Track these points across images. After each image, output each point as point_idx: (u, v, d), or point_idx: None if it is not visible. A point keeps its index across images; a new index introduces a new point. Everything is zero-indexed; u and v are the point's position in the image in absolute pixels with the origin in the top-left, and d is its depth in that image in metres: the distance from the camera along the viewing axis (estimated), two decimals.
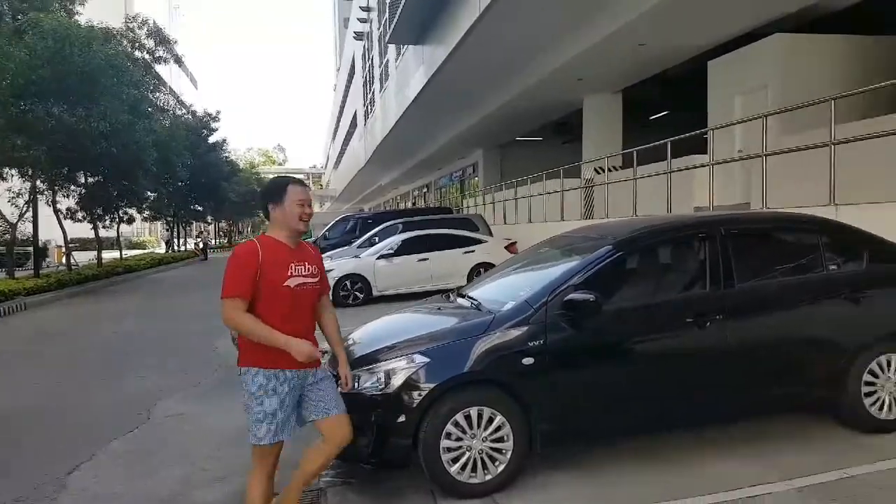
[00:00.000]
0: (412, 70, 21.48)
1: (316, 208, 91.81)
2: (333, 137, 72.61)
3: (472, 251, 13.46)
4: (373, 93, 34.06)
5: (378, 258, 13.18)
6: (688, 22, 12.28)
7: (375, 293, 12.85)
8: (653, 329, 4.06)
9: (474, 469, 3.71)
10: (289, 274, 3.16)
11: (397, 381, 3.70)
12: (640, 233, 4.39)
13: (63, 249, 22.08)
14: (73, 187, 20.51)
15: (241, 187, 50.65)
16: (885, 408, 4.34)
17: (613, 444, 4.35)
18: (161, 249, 43.99)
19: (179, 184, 30.52)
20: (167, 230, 41.76)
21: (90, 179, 20.75)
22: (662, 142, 10.96)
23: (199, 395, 6.53)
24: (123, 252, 29.91)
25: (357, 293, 12.79)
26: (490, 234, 15.81)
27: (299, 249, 3.32)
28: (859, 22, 11.89)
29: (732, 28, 12.52)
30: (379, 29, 28.83)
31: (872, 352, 4.30)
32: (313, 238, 25.84)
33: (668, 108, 21.15)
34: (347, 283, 12.78)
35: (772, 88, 11.38)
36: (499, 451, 3.75)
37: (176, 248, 40.30)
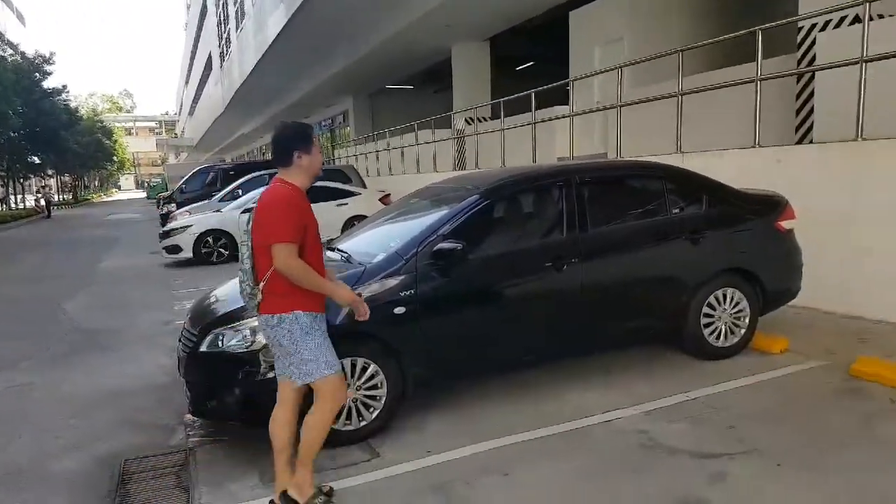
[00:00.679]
0: (271, 8, 20.39)
1: (171, 159, 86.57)
2: (187, 82, 68.09)
3: (346, 204, 13.21)
4: (228, 32, 32.08)
5: (243, 212, 12.55)
6: None
7: None
8: (516, 273, 4.25)
9: (349, 417, 3.77)
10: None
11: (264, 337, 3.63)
12: (503, 182, 4.53)
13: None
14: None
15: (85, 137, 46.49)
16: (722, 336, 4.86)
17: (483, 382, 4.57)
18: None
19: (12, 134, 27.47)
20: (1, 186, 37.81)
21: None
22: (527, 93, 11.21)
23: (49, 361, 6.10)
24: None
25: (221, 250, 12.26)
26: (363, 185, 15.58)
27: None
28: None
29: None
30: None
31: (710, 286, 4.76)
32: (169, 191, 24.38)
33: (535, 59, 21.61)
34: (209, 239, 12.22)
35: (627, 41, 11.88)
36: (373, 397, 3.82)
37: (14, 205, 36.60)
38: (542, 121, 11.32)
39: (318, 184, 13.83)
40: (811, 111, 8.19)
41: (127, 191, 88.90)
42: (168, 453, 3.94)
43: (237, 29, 28.75)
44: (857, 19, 7.01)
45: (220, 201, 14.52)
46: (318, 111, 35.12)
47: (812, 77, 8.07)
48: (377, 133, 21.80)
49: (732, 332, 4.89)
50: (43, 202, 36.48)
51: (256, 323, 3.66)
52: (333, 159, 28.02)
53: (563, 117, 10.79)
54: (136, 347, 6.48)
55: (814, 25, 8.13)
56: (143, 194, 64.75)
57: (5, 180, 35.62)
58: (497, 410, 4.19)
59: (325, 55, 22.00)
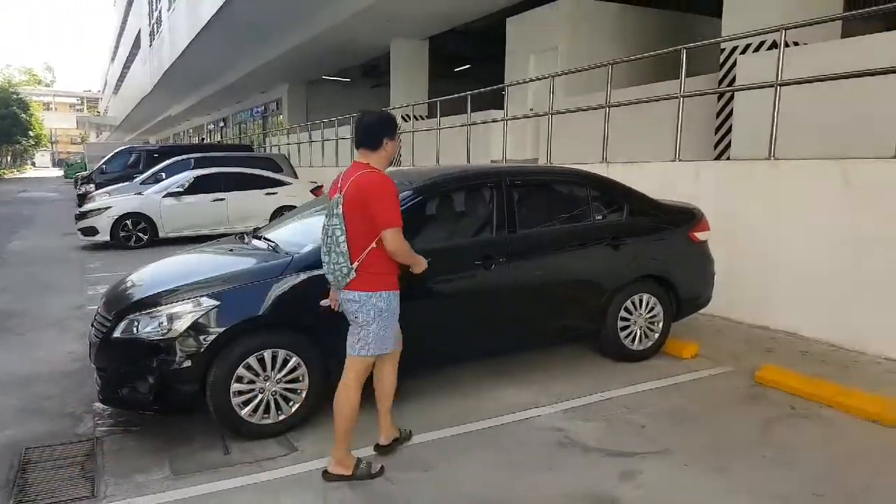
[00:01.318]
0: None
1: (92, 137, 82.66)
2: (113, 59, 65.13)
3: (275, 193, 12.90)
4: (159, 11, 30.87)
5: (165, 196, 12.16)
6: None
7: (163, 235, 11.94)
8: (446, 270, 4.28)
9: (267, 410, 3.71)
10: None
11: (182, 325, 3.55)
12: (436, 180, 4.56)
13: None
14: None
15: None
16: (637, 340, 5.04)
17: (407, 377, 4.57)
18: None
19: None
20: None
21: None
22: (463, 94, 11.31)
23: None
24: None
25: (140, 234, 11.79)
26: (295, 175, 15.30)
27: None
28: None
29: None
30: None
31: (627, 291, 4.94)
32: (88, 171, 23.31)
33: (473, 62, 21.77)
34: (129, 222, 11.73)
35: (561, 50, 12.16)
36: (293, 391, 3.78)
37: None
38: (477, 123, 11.44)
39: (247, 171, 13.56)
40: (729, 129, 8.61)
41: (43, 168, 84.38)
42: (74, 442, 3.78)
43: (169, 8, 27.68)
44: (774, 45, 7.40)
45: (141, 184, 14.03)
46: (251, 97, 34.24)
47: (732, 97, 8.48)
48: (311, 123, 21.46)
49: (647, 336, 5.08)
50: None
51: (175, 310, 3.60)
52: (265, 147, 27.41)
53: (498, 121, 10.94)
54: (45, 332, 6.19)
55: (735, 48, 8.56)
56: (59, 173, 61.57)
57: None
58: (420, 406, 4.22)
59: (260, 41, 21.45)
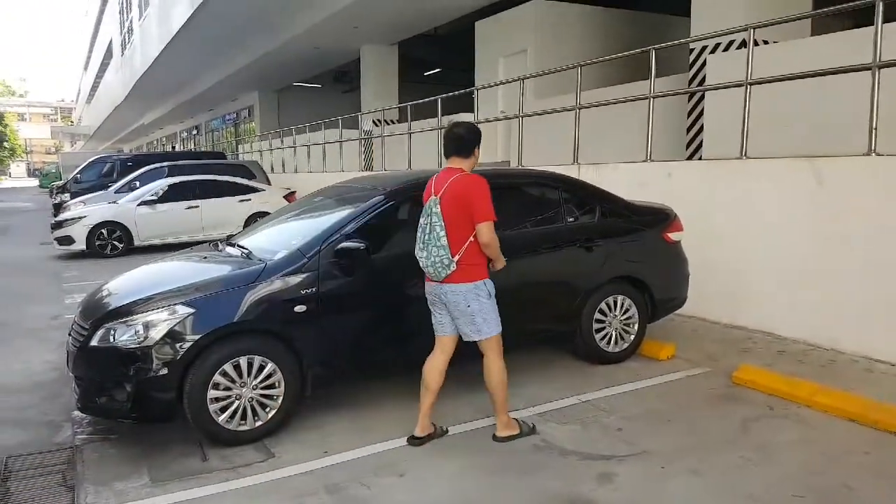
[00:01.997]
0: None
1: (67, 147, 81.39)
2: (86, 68, 64.28)
3: (249, 199, 12.89)
4: (130, 21, 30.56)
5: (139, 204, 12.10)
6: None
7: (137, 243, 11.87)
8: (419, 274, 4.29)
9: (244, 417, 3.70)
10: None
11: (157, 333, 3.54)
12: (408, 184, 4.58)
13: None
14: None
15: None
16: (613, 342, 5.05)
17: (384, 381, 4.60)
18: None
19: None
20: None
21: None
22: (434, 98, 11.34)
23: None
24: None
25: (116, 243, 11.70)
26: (268, 182, 15.28)
27: None
28: None
29: None
30: None
31: (602, 293, 4.96)
32: (63, 181, 23.00)
33: (442, 66, 21.86)
34: (104, 231, 11.64)
35: (531, 53, 12.23)
36: (270, 397, 3.77)
37: None
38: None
39: (221, 178, 13.52)
40: (700, 129, 8.72)
41: (18, 178, 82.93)
42: (53, 451, 3.76)
43: (140, 17, 27.41)
44: (743, 44, 7.50)
45: (116, 192, 13.93)
46: (222, 104, 34.00)
47: (702, 97, 8.60)
48: (283, 130, 21.37)
49: (622, 338, 5.09)
50: None
51: (150, 318, 3.59)
52: (238, 154, 27.23)
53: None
54: (22, 342, 6.12)
55: (704, 48, 8.68)
56: (35, 183, 60.59)
57: None
58: (396, 410, 4.21)
59: (230, 49, 21.36)
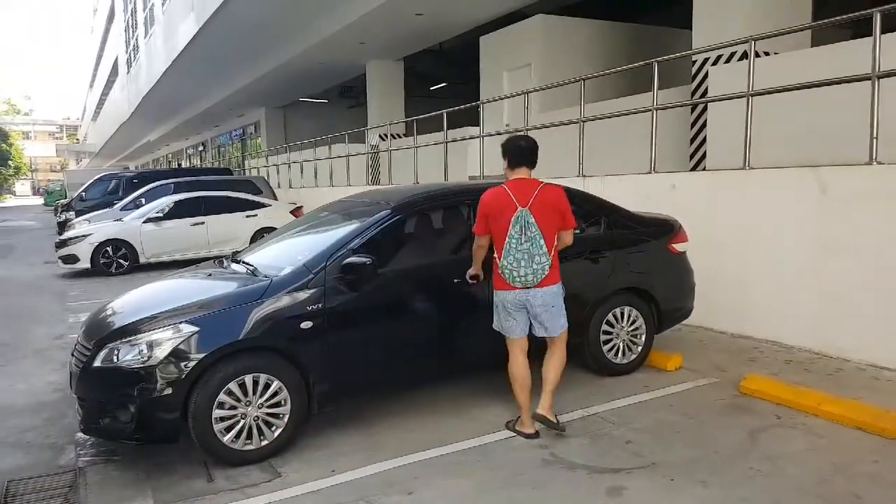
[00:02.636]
0: (181, 17, 19.76)
1: (72, 165, 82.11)
2: (91, 86, 64.88)
3: (255, 215, 12.89)
4: (136, 38, 30.86)
5: (145, 222, 12.10)
6: None
7: (143, 260, 11.86)
8: (426, 289, 4.29)
9: (249, 436, 3.68)
10: None
11: (162, 352, 3.53)
12: (413, 198, 4.58)
13: None
14: None
15: None
16: (620, 353, 5.03)
17: (390, 398, 4.57)
18: None
19: None
20: None
21: None
22: (439, 112, 11.39)
23: None
24: None
25: (121, 261, 11.69)
26: (274, 197, 15.31)
27: None
28: (616, 8, 13.26)
29: (501, 6, 13.24)
30: None
31: (609, 304, 4.94)
32: (68, 199, 23.12)
33: (448, 80, 21.97)
34: (109, 249, 11.62)
35: (535, 67, 12.31)
36: (276, 415, 3.74)
37: None
38: (454, 140, 11.51)
39: (227, 194, 13.56)
40: (704, 140, 8.72)
41: (23, 197, 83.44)
42: (56, 474, 3.73)
43: (146, 35, 27.69)
44: (744, 56, 7.52)
45: (121, 210, 13.96)
46: (229, 120, 34.25)
47: (705, 108, 8.60)
48: (290, 145, 21.49)
49: (630, 350, 5.07)
50: None
51: (155, 337, 3.58)
52: (245, 170, 27.35)
53: (474, 138, 11.01)
54: (26, 362, 6.11)
55: (706, 59, 8.70)
56: (40, 201, 60.97)
57: None
58: (402, 427, 4.19)
59: (236, 66, 21.54)
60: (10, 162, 63.61)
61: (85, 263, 11.49)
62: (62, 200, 26.22)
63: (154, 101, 29.04)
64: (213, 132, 39.06)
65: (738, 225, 6.00)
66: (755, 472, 3.47)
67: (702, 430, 4.05)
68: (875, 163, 5.00)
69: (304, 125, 26.45)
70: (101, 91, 52.77)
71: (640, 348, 5.11)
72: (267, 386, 3.70)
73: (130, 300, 4.50)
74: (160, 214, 12.24)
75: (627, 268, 5.07)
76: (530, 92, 9.28)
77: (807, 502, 3.15)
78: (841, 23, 5.80)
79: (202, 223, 12.36)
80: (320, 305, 3.84)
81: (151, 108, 31.12)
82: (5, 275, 12.21)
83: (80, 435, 4.06)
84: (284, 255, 4.51)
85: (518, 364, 3.99)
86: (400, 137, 16.66)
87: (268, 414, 3.72)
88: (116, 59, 39.89)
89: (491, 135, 10.50)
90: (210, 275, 4.74)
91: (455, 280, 4.28)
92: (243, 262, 4.60)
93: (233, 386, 3.61)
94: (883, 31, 5.08)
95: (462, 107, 11.15)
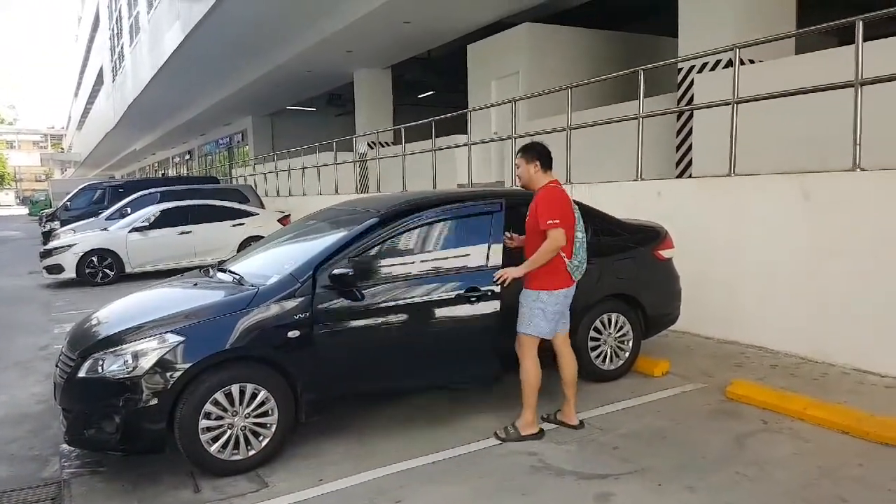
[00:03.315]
0: (167, 25, 19.69)
1: (57, 174, 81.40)
2: (76, 94, 64.45)
3: (242, 224, 12.79)
4: (121, 47, 30.71)
5: (131, 231, 12.00)
6: (448, 3, 12.73)
7: (129, 270, 11.76)
8: (414, 297, 4.27)
9: (237, 446, 3.65)
10: None
11: (147, 362, 3.50)
12: (400, 207, 4.57)
13: None
14: None
15: None
16: (608, 359, 5.05)
17: (379, 407, 4.56)
18: None
19: None
20: None
21: None
22: (427, 121, 11.41)
23: None
24: None
25: (107, 270, 11.59)
26: (262, 205, 15.24)
27: None
28: (603, 16, 13.36)
29: (489, 14, 13.29)
30: None
31: (596, 311, 4.97)
32: (53, 209, 22.92)
33: (436, 88, 22.02)
34: (94, 259, 11.53)
35: (522, 75, 12.38)
36: (263, 425, 3.72)
37: None
38: (442, 148, 11.53)
39: (213, 203, 13.49)
40: (690, 147, 8.79)
41: (7, 207, 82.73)
42: (41, 486, 3.69)
43: (131, 43, 27.56)
44: (729, 63, 7.59)
45: (107, 219, 13.87)
46: (216, 129, 34.11)
47: (691, 116, 8.67)
48: (277, 153, 21.44)
49: (617, 356, 5.09)
50: None
51: (140, 347, 3.56)
52: (232, 178, 27.24)
53: (462, 146, 11.04)
54: (9, 373, 6.04)
55: (692, 67, 8.78)
56: (24, 211, 60.44)
57: None
58: (390, 435, 4.18)
59: (223, 74, 21.47)
60: None
61: (70, 273, 11.39)
62: (47, 210, 26.02)
63: (140, 110, 28.87)
64: (199, 141, 38.89)
65: (723, 231, 6.06)
66: (742, 476, 3.49)
67: (689, 436, 4.07)
68: (858, 169, 5.06)
69: (291, 133, 26.37)
70: (86, 100, 52.41)
71: (627, 354, 5.14)
72: (254, 395, 3.68)
73: (115, 310, 4.47)
74: (146, 224, 12.14)
75: (614, 275, 5.10)
76: (518, 100, 9.33)
77: None
78: (826, 30, 5.88)
79: (189, 232, 12.27)
80: (307, 314, 3.83)
81: (137, 116, 30.93)
82: None
83: (65, 446, 4.02)
84: (271, 263, 4.49)
85: (538, 365, 4.12)
86: (388, 145, 16.68)
87: (255, 424, 3.70)
88: (101, 68, 39.65)
89: (478, 143, 10.56)
90: (196, 284, 4.72)
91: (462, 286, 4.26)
92: (229, 271, 4.57)
93: (219, 396, 3.59)
94: (865, 39, 5.14)
95: (450, 115, 11.18)
